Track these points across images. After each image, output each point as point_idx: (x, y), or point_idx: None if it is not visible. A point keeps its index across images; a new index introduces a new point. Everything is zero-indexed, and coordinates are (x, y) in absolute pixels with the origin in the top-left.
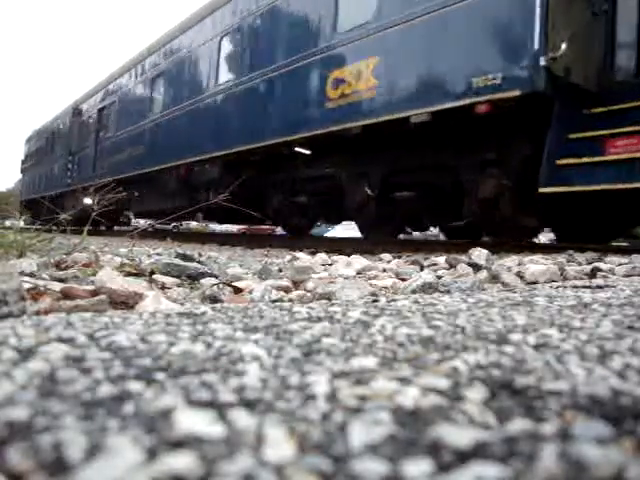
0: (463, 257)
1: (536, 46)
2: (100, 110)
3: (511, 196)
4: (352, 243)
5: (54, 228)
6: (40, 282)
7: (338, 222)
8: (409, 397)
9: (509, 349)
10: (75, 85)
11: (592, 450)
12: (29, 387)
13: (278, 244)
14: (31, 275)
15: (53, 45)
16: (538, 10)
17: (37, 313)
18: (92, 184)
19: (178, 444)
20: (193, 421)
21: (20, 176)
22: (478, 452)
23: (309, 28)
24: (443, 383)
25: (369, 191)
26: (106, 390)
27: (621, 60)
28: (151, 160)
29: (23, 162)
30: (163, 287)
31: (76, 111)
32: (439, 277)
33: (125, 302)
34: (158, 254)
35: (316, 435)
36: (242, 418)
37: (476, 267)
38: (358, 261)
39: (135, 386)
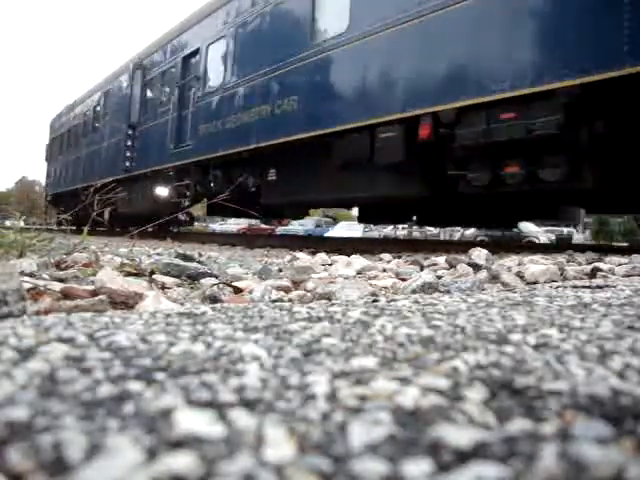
0: (463, 257)
1: None
2: (187, 58)
3: None
4: (352, 243)
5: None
6: (40, 282)
7: None
8: (409, 397)
9: (509, 349)
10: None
11: (592, 450)
12: (29, 387)
13: (278, 244)
14: (31, 275)
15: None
16: None
17: (37, 313)
18: (170, 166)
19: (178, 444)
20: (193, 421)
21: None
22: (478, 452)
23: None
24: (443, 383)
25: None
26: (106, 390)
27: None
28: (324, 117)
29: (49, 148)
30: (163, 287)
31: (138, 68)
32: (439, 277)
33: (125, 302)
34: (158, 254)
35: (316, 435)
36: (242, 418)
37: (476, 267)
38: (358, 261)
39: (135, 386)
